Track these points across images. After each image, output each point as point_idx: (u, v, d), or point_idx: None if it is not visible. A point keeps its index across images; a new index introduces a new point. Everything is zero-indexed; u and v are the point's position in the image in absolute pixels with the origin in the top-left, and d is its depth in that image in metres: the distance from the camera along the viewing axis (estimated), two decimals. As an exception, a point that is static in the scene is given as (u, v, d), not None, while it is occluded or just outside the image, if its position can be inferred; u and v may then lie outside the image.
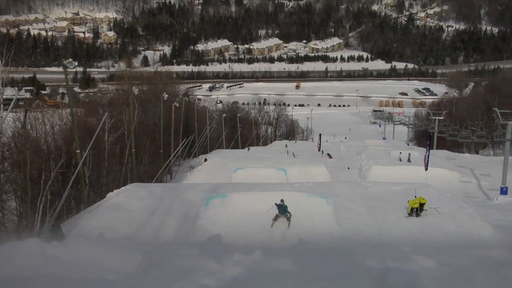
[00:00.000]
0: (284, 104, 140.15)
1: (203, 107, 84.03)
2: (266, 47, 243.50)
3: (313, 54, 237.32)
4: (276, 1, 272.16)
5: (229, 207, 19.53)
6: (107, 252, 11.10)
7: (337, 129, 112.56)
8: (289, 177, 31.46)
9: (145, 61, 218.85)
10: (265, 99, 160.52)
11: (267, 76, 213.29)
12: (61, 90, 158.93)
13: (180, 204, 20.77)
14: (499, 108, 34.25)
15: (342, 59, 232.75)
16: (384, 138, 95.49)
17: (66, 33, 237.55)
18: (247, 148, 62.00)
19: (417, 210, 19.79)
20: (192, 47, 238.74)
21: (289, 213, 18.32)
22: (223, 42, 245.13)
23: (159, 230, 17.59)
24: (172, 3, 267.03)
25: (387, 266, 10.18)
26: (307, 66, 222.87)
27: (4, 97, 24.83)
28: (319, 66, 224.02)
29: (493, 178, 33.66)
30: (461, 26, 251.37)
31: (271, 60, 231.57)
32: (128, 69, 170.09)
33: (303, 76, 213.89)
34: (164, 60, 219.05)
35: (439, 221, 19.23)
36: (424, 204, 19.87)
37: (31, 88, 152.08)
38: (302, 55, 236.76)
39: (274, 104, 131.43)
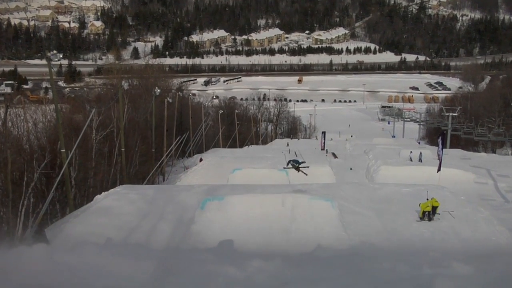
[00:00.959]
0: (285, 99, 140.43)
1: (198, 103, 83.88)
2: (266, 38, 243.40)
3: (316, 46, 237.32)
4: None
5: (226, 211, 19.52)
6: (117, 258, 11.18)
7: (342, 127, 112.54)
8: (291, 178, 31.45)
9: (135, 53, 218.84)
10: (264, 94, 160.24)
11: (267, 70, 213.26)
12: (44, 84, 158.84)
13: (174, 207, 20.76)
14: (517, 104, 34.26)
15: (348, 51, 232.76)
16: (393, 136, 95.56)
17: (49, 23, 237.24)
18: (246, 146, 62.08)
19: (429, 213, 19.81)
20: (186, 38, 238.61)
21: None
22: (219, 33, 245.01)
23: (151, 235, 17.57)
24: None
25: (430, 273, 10.31)
26: (310, 59, 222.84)
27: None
28: (323, 58, 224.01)
29: None
30: (477, 15, 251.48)
31: (271, 52, 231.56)
32: (117, 62, 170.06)
33: (306, 69, 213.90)
34: (156, 52, 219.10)
35: (453, 225, 19.24)
36: (437, 207, 19.89)
37: (12, 82, 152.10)
38: (305, 46, 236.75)
39: (275, 100, 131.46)
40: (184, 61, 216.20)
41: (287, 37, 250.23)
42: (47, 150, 25.94)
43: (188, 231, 18.17)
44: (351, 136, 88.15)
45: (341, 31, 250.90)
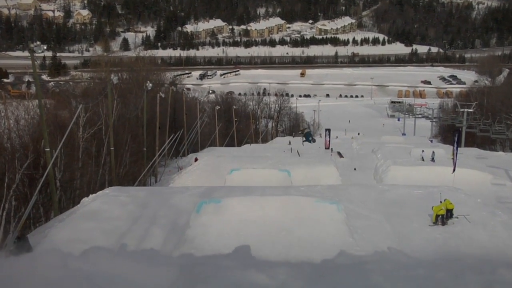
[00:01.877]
0: (287, 94, 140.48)
1: (193, 98, 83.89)
2: (266, 28, 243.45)
3: (320, 37, 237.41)
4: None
5: (223, 215, 19.52)
6: (135, 265, 11.28)
7: (348, 124, 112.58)
8: (293, 180, 31.46)
9: (125, 45, 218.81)
10: (265, 89, 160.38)
11: (267, 62, 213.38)
12: (27, 78, 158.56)
13: (167, 211, 20.75)
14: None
15: (355, 42, 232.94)
16: (404, 134, 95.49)
17: (32, 12, 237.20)
18: (248, 144, 62.11)
19: (443, 217, 19.80)
20: (179, 28, 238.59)
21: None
22: (216, 23, 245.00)
23: (143, 241, 17.56)
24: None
25: (481, 279, 10.55)
26: (313, 50, 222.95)
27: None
28: (328, 50, 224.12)
29: (532, 180, 33.65)
30: (494, 3, 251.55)
31: (272, 43, 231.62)
32: (105, 54, 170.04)
33: (309, 62, 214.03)
34: (147, 44, 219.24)
35: (469, 230, 19.24)
36: (451, 210, 19.88)
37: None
38: (308, 37, 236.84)
39: (276, 95, 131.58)
40: (177, 53, 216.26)
41: (289, 27, 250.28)
42: (30, 149, 25.91)
43: (183, 237, 18.16)
44: (358, 133, 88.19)
45: (347, 20, 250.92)
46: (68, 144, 27.94)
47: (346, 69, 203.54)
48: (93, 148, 32.50)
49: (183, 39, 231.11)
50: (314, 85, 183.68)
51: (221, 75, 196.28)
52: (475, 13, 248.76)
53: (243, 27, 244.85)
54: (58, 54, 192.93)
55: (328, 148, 52.36)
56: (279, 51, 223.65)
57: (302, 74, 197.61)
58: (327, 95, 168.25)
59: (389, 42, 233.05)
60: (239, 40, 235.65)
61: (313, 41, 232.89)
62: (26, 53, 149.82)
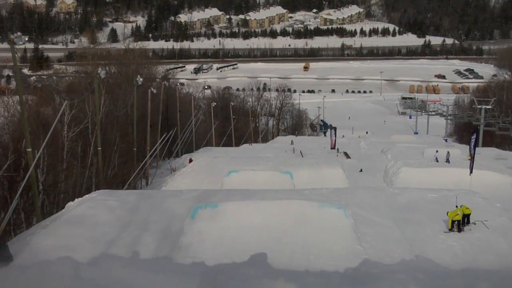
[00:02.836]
0: (289, 90, 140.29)
1: (187, 94, 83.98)
2: (267, 18, 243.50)
3: (325, 27, 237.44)
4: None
5: (221, 220, 19.52)
6: (150, 275, 11.35)
7: (356, 122, 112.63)
8: (296, 182, 31.48)
9: (113, 36, 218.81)
10: (265, 84, 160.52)
11: (268, 55, 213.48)
12: (6, 72, 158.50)
13: (159, 216, 20.76)
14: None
15: (363, 32, 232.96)
16: (416, 133, 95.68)
17: (12, 0, 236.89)
18: (248, 144, 62.20)
19: (459, 223, 19.79)
20: (172, 18, 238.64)
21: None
22: (212, 12, 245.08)
23: (133, 249, 17.56)
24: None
25: None
26: (318, 42, 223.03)
27: None
28: (334, 41, 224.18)
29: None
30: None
31: (273, 34, 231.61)
32: (92, 46, 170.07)
33: (313, 54, 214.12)
34: (138, 35, 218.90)
35: (487, 237, 19.23)
36: (468, 215, 19.87)
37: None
38: (312, 28, 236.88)
39: (277, 90, 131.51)
40: (170, 45, 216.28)
41: (291, 17, 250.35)
42: (10, 150, 25.92)
43: (177, 244, 18.16)
44: (366, 132, 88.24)
45: (354, 9, 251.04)
46: (51, 144, 27.94)
47: (353, 63, 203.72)
48: (79, 148, 32.53)
49: (176, 30, 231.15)
50: (319, 80, 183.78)
51: (217, 69, 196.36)
52: (494, 1, 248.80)
53: (241, 16, 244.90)
54: (40, 46, 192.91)
55: (334, 148, 52.43)
56: (280, 42, 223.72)
57: (306, 68, 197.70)
58: (333, 91, 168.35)
59: (400, 33, 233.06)
60: (237, 31, 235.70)
61: (318, 32, 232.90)
62: (6, 45, 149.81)
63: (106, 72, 67.68)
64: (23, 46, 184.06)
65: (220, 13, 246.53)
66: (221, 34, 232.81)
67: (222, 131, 77.07)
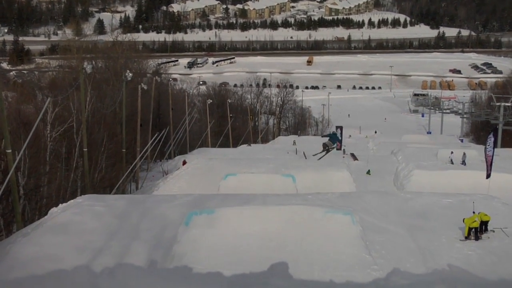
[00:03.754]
0: (291, 86, 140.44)
1: (180, 90, 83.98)
2: (267, 7, 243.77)
3: (330, 18, 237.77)
4: None
5: (217, 227, 19.54)
6: (168, 285, 11.40)
7: (364, 120, 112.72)
8: (299, 186, 31.50)
9: (100, 27, 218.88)
10: (265, 80, 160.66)
11: (268, 48, 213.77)
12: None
13: (151, 223, 20.75)
14: None
15: (371, 24, 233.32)
16: (429, 133, 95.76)
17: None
18: (247, 145, 62.27)
19: (476, 231, 19.79)
20: (164, 7, 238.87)
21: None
22: (207, 1, 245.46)
23: (123, 258, 17.57)
24: None
25: None
26: (322, 34, 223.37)
27: None
28: (339, 33, 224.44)
29: None
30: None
31: (274, 25, 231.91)
32: (77, 38, 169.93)
33: (318, 47, 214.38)
34: (127, 26, 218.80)
35: (507, 246, 19.24)
36: (486, 222, 19.88)
37: None
38: (316, 18, 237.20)
39: (278, 86, 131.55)
40: (162, 37, 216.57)
41: (293, 7, 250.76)
42: (-12, 151, 25.91)
43: (170, 253, 18.16)
44: (375, 132, 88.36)
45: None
46: (33, 145, 27.94)
47: (360, 56, 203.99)
48: (63, 150, 32.52)
49: (168, 21, 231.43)
50: (323, 75, 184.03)
51: (213, 63, 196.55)
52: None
53: (239, 6, 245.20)
54: (20, 38, 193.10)
55: (340, 149, 52.50)
56: (281, 34, 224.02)
57: (309, 62, 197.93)
58: (339, 87, 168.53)
59: (412, 24, 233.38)
60: (234, 21, 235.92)
61: (322, 23, 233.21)
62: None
63: (93, 67, 67.76)
64: (1, 38, 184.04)
65: (216, 2, 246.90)
66: (217, 26, 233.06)
67: (218, 131, 77.09)
